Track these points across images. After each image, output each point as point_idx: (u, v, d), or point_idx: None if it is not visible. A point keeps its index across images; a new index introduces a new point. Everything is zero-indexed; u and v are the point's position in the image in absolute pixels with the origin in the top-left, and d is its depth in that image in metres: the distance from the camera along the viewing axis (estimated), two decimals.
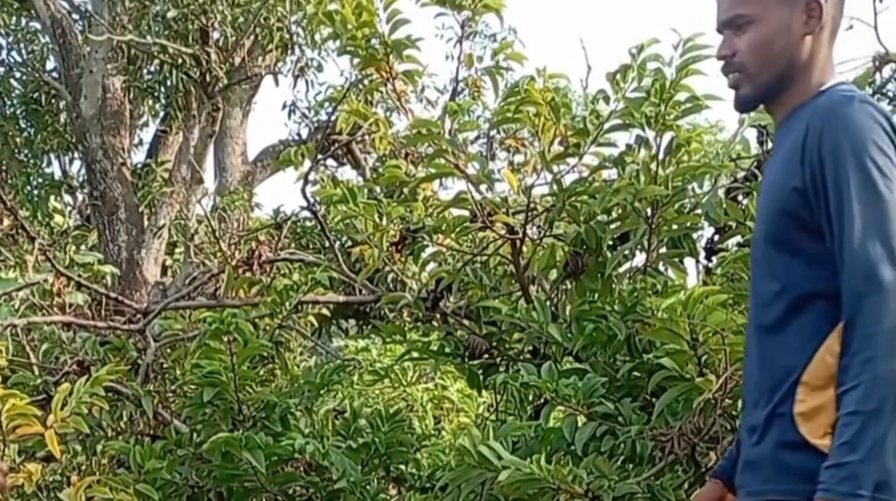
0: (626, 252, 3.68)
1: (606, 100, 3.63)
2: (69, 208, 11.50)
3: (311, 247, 6.96)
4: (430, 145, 3.84)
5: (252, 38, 9.85)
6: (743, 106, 2.29)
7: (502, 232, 3.80)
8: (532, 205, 3.78)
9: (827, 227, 2.03)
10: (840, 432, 1.95)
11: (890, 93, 3.92)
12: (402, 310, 4.44)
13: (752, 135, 3.90)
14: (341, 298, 4.83)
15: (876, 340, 1.94)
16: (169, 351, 4.74)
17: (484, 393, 4.52)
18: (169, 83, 9.95)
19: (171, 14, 9.20)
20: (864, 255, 1.97)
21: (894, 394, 1.94)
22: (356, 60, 4.05)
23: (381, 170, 5.34)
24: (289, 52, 10.13)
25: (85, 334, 4.73)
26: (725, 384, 3.11)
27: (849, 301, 1.98)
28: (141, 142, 11.36)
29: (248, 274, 4.69)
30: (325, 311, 4.86)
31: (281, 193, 26.31)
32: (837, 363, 2.01)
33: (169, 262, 9.72)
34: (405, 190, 4.12)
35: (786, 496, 2.05)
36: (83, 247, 8.69)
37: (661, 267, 3.75)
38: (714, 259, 3.71)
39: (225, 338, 3.81)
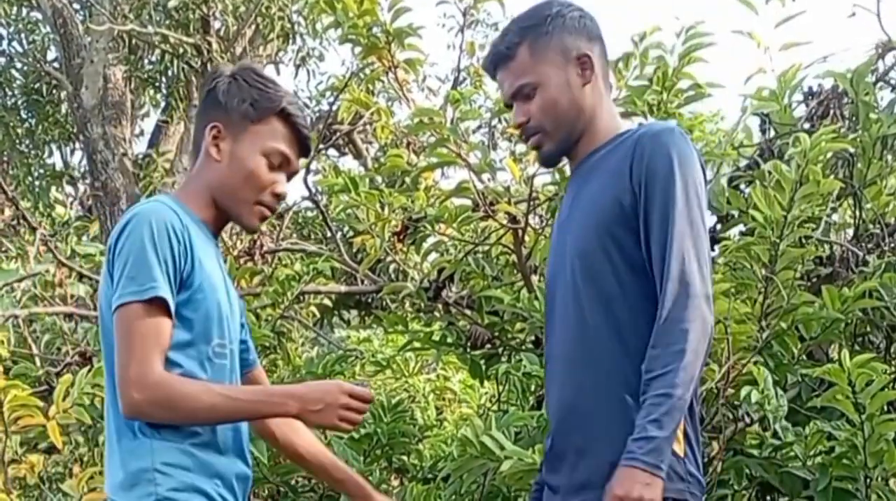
0: None
1: (609, 88, 3.61)
2: (70, 199, 11.48)
3: (312, 237, 6.95)
4: (431, 134, 3.83)
5: (253, 27, 9.83)
6: (547, 162, 2.54)
7: (504, 221, 3.79)
8: (534, 195, 3.77)
9: (645, 234, 2.25)
10: (649, 409, 2.14)
11: (893, 81, 3.89)
12: (404, 300, 4.43)
13: (754, 123, 3.89)
14: (343, 288, 4.83)
15: (688, 336, 2.17)
16: None
17: (486, 383, 4.51)
18: (170, 73, 9.93)
19: (172, 3, 9.19)
20: (686, 268, 2.21)
21: (693, 387, 2.20)
22: (358, 49, 4.04)
23: (382, 159, 5.33)
24: (290, 41, 10.11)
25: (87, 325, 4.73)
26: (728, 373, 3.10)
27: (669, 301, 2.20)
28: (142, 133, 11.35)
29: (249, 264, 4.68)
30: (326, 301, 4.86)
31: None
32: None
33: None
34: (407, 179, 4.11)
35: (666, 493, 2.18)
36: (85, 238, 8.68)
37: None
38: (716, 248, 3.69)
39: None
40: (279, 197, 2.40)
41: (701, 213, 2.26)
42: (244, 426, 2.37)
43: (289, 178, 2.43)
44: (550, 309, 2.43)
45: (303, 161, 2.51)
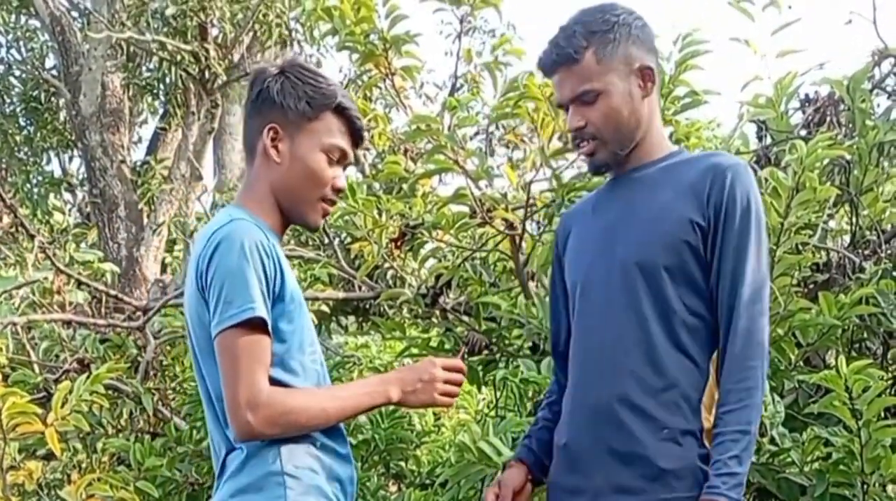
0: None
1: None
2: (69, 206, 11.49)
3: (310, 243, 6.94)
4: (429, 141, 3.84)
5: (251, 34, 9.84)
6: (597, 170, 2.51)
7: (502, 227, 3.79)
8: (531, 201, 3.78)
9: (717, 262, 2.31)
10: (729, 445, 2.23)
11: (889, 88, 3.90)
12: (401, 307, 4.43)
13: (751, 130, 3.90)
14: (341, 295, 4.82)
15: (757, 373, 2.27)
16: (169, 348, 4.74)
17: (484, 389, 4.52)
18: (168, 80, 9.93)
19: (169, 11, 9.19)
20: (757, 307, 2.29)
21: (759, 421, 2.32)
22: (355, 56, 4.05)
23: (380, 166, 5.33)
24: (288, 48, 10.11)
25: (85, 332, 4.73)
26: None
27: (740, 338, 2.28)
28: (140, 140, 11.36)
29: None
30: (324, 308, 4.86)
31: None
32: (716, 386, 2.32)
33: (168, 260, 9.70)
34: (404, 186, 4.12)
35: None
36: (83, 245, 8.68)
37: None
38: None
39: None
40: (340, 191, 2.42)
41: (766, 255, 2.37)
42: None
43: (344, 169, 2.45)
44: (587, 312, 2.42)
45: None
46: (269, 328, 2.22)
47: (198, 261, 2.26)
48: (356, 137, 2.43)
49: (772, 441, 3.15)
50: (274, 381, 2.22)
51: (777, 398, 3.10)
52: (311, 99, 2.35)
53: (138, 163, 10.55)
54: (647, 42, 2.43)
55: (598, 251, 2.43)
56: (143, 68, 10.33)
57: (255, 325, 2.19)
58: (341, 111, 2.38)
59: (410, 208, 4.11)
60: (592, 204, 2.56)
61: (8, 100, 11.16)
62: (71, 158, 11.71)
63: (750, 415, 2.24)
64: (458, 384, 2.34)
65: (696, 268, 2.32)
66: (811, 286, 3.60)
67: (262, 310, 2.19)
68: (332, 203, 2.43)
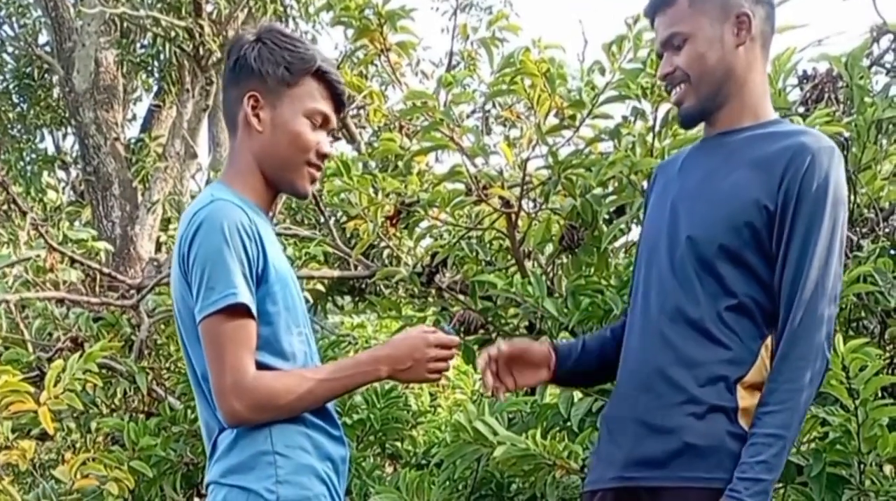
0: (623, 225, 3.65)
1: (602, 71, 3.60)
2: (62, 184, 11.45)
3: (305, 221, 6.92)
4: (425, 118, 3.81)
5: (245, 10, 9.78)
6: (686, 120, 2.42)
7: (498, 205, 3.77)
8: (527, 179, 3.75)
9: (783, 253, 2.21)
10: (760, 449, 2.15)
11: (887, 65, 3.87)
12: (397, 286, 4.41)
13: None
14: (336, 273, 4.80)
15: (804, 373, 2.17)
16: (163, 326, 4.73)
17: None
18: (162, 57, 9.88)
19: None
20: (816, 303, 2.18)
21: (800, 425, 2.22)
22: (350, 32, 4.02)
23: (375, 143, 5.31)
24: (282, 24, 10.06)
25: (78, 310, 4.71)
26: None
27: (791, 332, 2.19)
28: (134, 117, 11.29)
29: None
30: (319, 287, 4.84)
31: None
32: (766, 370, 2.22)
33: (163, 238, 9.67)
34: (400, 163, 4.10)
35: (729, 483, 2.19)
36: (77, 223, 8.65)
37: None
38: None
39: None
40: (325, 157, 2.38)
41: (840, 250, 2.23)
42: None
43: (328, 134, 2.41)
44: (646, 280, 2.37)
45: None
46: (254, 311, 2.19)
47: (180, 243, 2.23)
48: (337, 101, 2.38)
49: None
50: (261, 365, 2.20)
51: None
52: (289, 64, 2.31)
53: (132, 141, 10.48)
54: None
55: (668, 221, 2.36)
56: (137, 44, 10.26)
57: (240, 310, 2.17)
58: (321, 75, 2.34)
59: (406, 186, 4.09)
60: (681, 162, 2.47)
61: (0, 77, 11.10)
62: (64, 135, 11.67)
63: (790, 419, 2.15)
64: (449, 358, 2.33)
65: (756, 252, 2.23)
66: None
67: (244, 296, 2.16)
68: (318, 168, 2.38)
